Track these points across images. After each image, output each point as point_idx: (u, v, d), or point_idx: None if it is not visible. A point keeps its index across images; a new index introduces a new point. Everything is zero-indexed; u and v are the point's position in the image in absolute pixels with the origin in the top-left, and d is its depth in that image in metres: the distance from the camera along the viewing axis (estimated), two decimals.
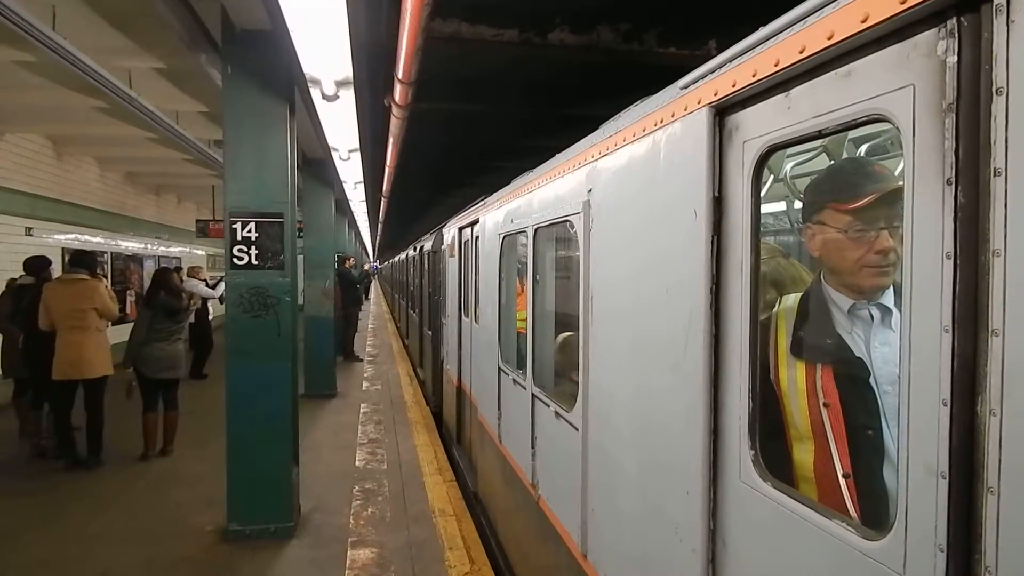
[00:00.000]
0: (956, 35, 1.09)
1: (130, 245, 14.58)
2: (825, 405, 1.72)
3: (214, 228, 15.21)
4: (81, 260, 7.25)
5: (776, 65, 1.50)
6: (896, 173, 1.72)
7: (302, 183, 10.60)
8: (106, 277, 12.40)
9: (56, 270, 8.15)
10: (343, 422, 8.95)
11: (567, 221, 3.03)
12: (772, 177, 2.61)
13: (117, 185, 13.95)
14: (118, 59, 6.51)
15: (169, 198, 17.51)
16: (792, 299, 1.93)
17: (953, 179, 1.09)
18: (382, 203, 17.90)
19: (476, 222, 5.81)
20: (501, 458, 4.64)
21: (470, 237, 6.18)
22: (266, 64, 4.98)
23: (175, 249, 17.66)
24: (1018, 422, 1.00)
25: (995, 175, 1.03)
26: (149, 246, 15.81)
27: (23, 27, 4.87)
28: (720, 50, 1.82)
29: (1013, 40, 1.01)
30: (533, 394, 3.70)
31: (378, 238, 39.46)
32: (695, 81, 1.92)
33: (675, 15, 5.28)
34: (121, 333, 7.26)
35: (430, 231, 11.62)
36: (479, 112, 7.70)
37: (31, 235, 10.44)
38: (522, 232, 3.97)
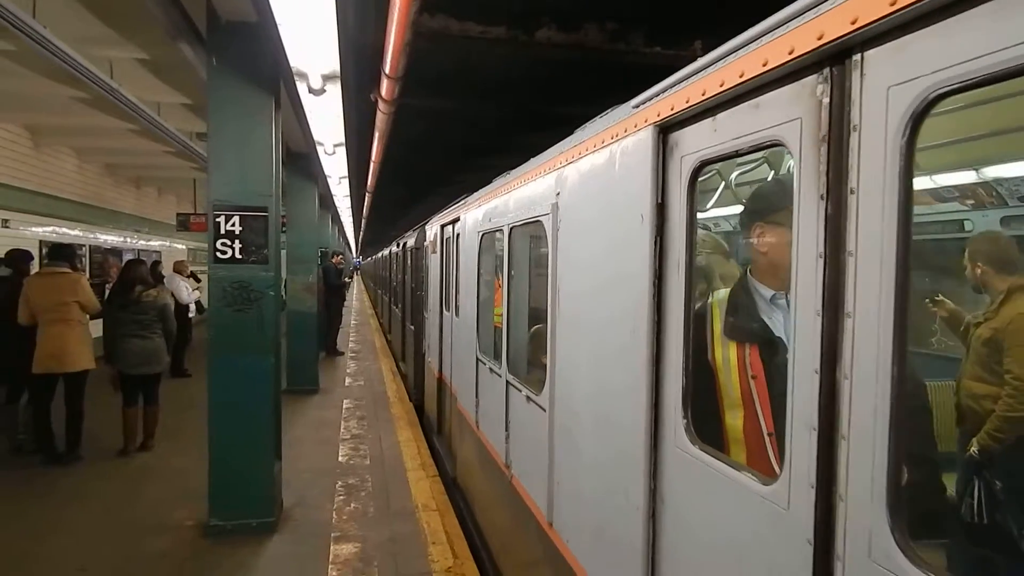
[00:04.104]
0: (829, 81, 1.38)
1: (109, 238, 14.36)
2: (752, 377, 2.04)
3: (195, 222, 15.03)
4: (61, 253, 7.21)
5: (703, 94, 1.79)
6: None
7: (286, 177, 10.47)
8: (84, 270, 12.21)
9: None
10: (325, 417, 8.92)
11: (538, 221, 3.30)
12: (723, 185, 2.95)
13: (96, 177, 13.71)
14: (99, 48, 6.41)
15: (149, 191, 17.24)
16: (723, 291, 2.27)
17: (825, 195, 1.38)
18: (366, 198, 17.83)
19: (457, 220, 5.89)
20: (478, 442, 4.86)
21: (451, 234, 6.26)
22: (252, 56, 4.94)
23: (155, 243, 17.40)
24: (863, 386, 1.29)
25: (851, 193, 1.32)
26: (128, 239, 15.56)
27: (3, 15, 4.79)
28: (706, 51, 1.94)
29: (865, 89, 1.29)
30: (508, 381, 3.97)
31: (361, 234, 39.28)
32: (644, 102, 2.19)
33: (661, 15, 5.32)
34: (99, 328, 7.18)
35: (413, 227, 11.60)
36: (466, 108, 7.70)
37: (7, 227, 10.26)
38: (499, 230, 4.24)
